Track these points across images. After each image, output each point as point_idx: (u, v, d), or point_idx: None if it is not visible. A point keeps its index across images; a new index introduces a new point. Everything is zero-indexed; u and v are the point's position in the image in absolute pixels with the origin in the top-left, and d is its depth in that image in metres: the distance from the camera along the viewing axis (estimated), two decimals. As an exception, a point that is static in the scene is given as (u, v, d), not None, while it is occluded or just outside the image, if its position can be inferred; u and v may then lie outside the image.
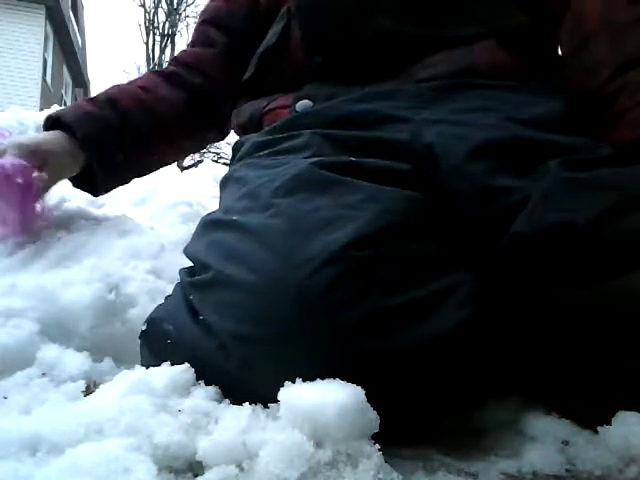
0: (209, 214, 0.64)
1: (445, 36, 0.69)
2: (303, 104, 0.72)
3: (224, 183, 0.72)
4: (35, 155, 0.81)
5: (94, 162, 0.88)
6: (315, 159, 0.58)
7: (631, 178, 0.53)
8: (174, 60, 1.01)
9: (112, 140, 0.88)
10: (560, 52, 0.74)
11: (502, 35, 0.69)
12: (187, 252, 0.60)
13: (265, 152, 0.67)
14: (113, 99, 0.90)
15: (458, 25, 0.69)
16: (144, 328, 0.56)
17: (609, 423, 0.47)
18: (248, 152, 0.71)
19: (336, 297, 0.45)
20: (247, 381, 0.47)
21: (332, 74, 0.72)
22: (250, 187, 0.60)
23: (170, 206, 1.18)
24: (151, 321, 0.56)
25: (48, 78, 11.57)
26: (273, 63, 0.78)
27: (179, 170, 1.81)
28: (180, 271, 0.59)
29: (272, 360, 0.46)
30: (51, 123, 0.89)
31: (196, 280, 0.54)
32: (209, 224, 0.60)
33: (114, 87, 0.94)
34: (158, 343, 0.53)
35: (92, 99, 0.91)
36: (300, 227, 0.50)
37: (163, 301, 0.61)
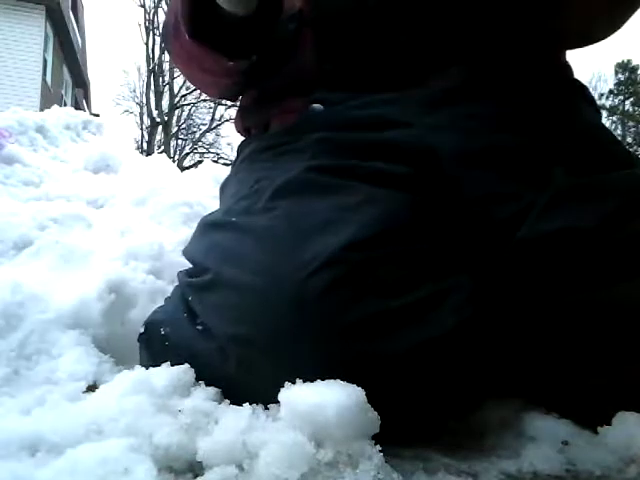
0: (208, 215, 0.64)
1: (460, 49, 0.68)
2: (313, 108, 0.70)
3: (225, 184, 0.71)
4: None
5: None
6: (314, 162, 0.58)
7: (634, 182, 0.53)
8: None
9: None
10: None
11: (511, 46, 0.68)
12: (186, 253, 0.60)
13: (267, 154, 0.67)
14: None
15: (472, 39, 0.68)
16: (142, 331, 0.56)
17: (609, 423, 0.47)
18: (251, 154, 0.70)
19: (334, 299, 0.45)
20: (246, 383, 0.47)
21: (342, 82, 0.71)
22: (250, 189, 0.59)
23: (170, 206, 1.18)
24: (149, 324, 0.56)
25: (48, 78, 11.55)
26: (283, 64, 0.72)
27: (179, 170, 1.81)
28: (179, 273, 0.59)
29: (270, 362, 0.46)
30: None
31: (195, 281, 0.54)
32: (208, 225, 0.60)
33: None
34: (156, 346, 0.53)
35: None
36: (298, 229, 0.50)
37: (163, 302, 0.61)
